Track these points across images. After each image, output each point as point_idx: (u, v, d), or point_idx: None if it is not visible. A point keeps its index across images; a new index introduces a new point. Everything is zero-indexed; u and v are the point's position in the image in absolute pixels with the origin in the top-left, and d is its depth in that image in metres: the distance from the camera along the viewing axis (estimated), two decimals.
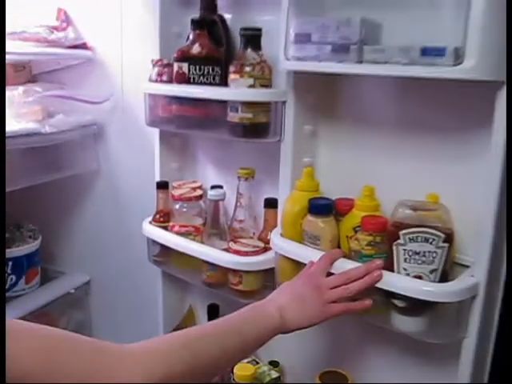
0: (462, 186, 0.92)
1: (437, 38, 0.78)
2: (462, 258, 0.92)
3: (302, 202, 1.02)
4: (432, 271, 0.86)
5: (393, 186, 0.97)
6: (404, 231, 0.86)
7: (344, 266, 0.91)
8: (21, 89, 1.24)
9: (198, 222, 1.24)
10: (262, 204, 1.18)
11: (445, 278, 0.87)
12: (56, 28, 1.38)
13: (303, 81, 1.03)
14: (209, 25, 1.14)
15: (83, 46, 1.45)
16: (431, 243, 0.85)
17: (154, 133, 1.32)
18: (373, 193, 0.96)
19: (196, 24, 1.12)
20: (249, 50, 1.05)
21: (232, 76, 1.05)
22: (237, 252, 1.11)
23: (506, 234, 0.82)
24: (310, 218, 0.99)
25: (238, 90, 1.03)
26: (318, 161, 1.12)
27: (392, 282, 0.87)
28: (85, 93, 1.44)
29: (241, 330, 0.78)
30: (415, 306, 0.88)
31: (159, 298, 1.38)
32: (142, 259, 1.34)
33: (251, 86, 1.03)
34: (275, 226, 1.14)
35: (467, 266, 0.91)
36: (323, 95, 1.07)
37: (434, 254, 0.85)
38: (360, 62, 0.84)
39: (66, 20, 1.46)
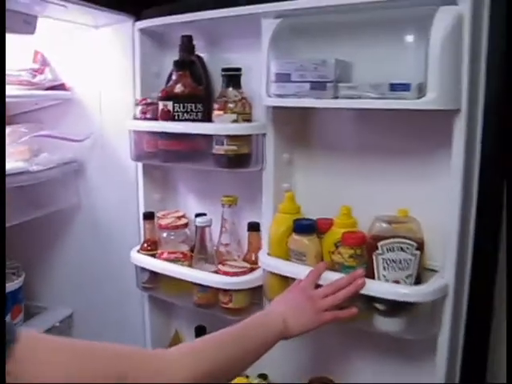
0: (427, 201, 1.05)
1: (401, 75, 0.92)
2: (431, 263, 1.05)
3: (286, 223, 1.13)
4: (408, 276, 0.98)
5: (366, 204, 1.10)
6: (382, 242, 0.98)
7: (330, 277, 1.02)
8: (8, 130, 1.30)
9: (185, 248, 1.32)
10: (245, 228, 1.28)
11: (418, 281, 1.00)
12: (36, 70, 1.44)
13: (281, 114, 1.15)
14: (189, 65, 1.25)
15: (61, 87, 1.52)
16: (406, 251, 0.97)
17: (132, 167, 1.42)
18: (350, 211, 1.08)
19: (178, 65, 1.23)
20: (230, 89, 1.17)
21: (216, 112, 1.16)
22: (226, 273, 1.20)
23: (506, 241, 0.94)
24: (295, 237, 1.10)
25: (223, 125, 1.14)
26: (296, 186, 1.24)
27: (373, 287, 0.98)
28: (63, 131, 1.51)
29: (254, 334, 0.88)
30: (394, 308, 1.00)
31: (147, 325, 1.44)
32: (124, 289, 1.41)
33: (234, 121, 1.14)
34: (259, 247, 1.25)
35: (436, 271, 1.04)
36: (298, 127, 1.20)
37: (409, 261, 0.98)
38: (336, 97, 0.97)
39: (43, 62, 1.53)
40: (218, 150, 1.16)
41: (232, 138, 1.14)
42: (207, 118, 1.24)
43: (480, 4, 0.88)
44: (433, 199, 1.05)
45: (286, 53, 1.06)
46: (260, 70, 1.12)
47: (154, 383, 0.69)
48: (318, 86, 0.98)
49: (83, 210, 1.58)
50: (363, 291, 0.98)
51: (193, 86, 1.23)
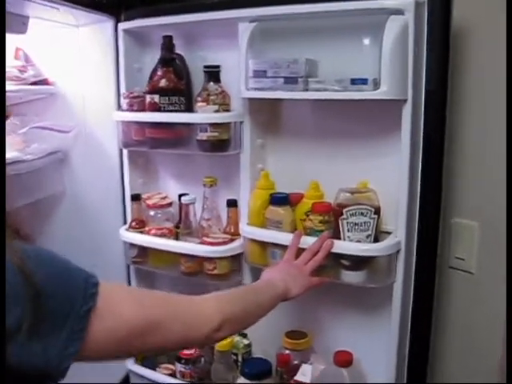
0: (382, 175, 1.26)
1: (359, 72, 1.13)
2: (385, 227, 1.27)
3: (263, 197, 1.32)
4: (368, 236, 1.20)
5: (331, 179, 1.30)
6: (346, 209, 1.19)
7: (305, 241, 1.23)
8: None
9: (170, 225, 1.49)
10: (224, 205, 1.46)
11: (376, 240, 1.22)
12: (23, 67, 1.56)
13: (256, 105, 1.34)
14: (172, 62, 1.42)
15: (44, 82, 1.65)
16: (365, 215, 1.19)
17: (114, 156, 1.58)
18: (318, 186, 1.29)
19: (163, 62, 1.39)
20: (211, 83, 1.34)
21: (200, 104, 1.34)
22: (211, 243, 1.39)
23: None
24: (271, 208, 1.29)
25: (207, 115, 1.32)
26: (268, 167, 1.43)
27: (341, 246, 1.20)
28: (48, 123, 1.64)
29: (266, 291, 1.08)
30: (358, 263, 1.21)
31: None
32: (110, 272, 1.56)
33: (216, 111, 1.32)
34: (237, 221, 1.44)
35: (390, 233, 1.26)
36: (270, 116, 1.39)
37: (368, 224, 1.19)
38: (306, 90, 1.17)
39: (25, 58, 1.65)
40: (202, 136, 1.34)
41: (214, 125, 1.32)
42: (188, 109, 1.41)
43: (421, 14, 1.10)
44: (386, 173, 1.26)
45: (261, 52, 1.25)
46: (236, 67, 1.30)
47: None
48: (290, 81, 1.18)
49: (69, 197, 1.72)
50: (333, 250, 1.19)
51: (176, 81, 1.40)
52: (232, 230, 1.44)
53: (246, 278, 1.43)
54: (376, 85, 1.10)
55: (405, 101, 1.14)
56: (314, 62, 1.19)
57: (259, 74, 1.22)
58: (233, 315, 0.92)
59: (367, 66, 1.13)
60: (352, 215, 1.19)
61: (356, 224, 1.19)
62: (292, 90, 1.18)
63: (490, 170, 1.20)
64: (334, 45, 1.18)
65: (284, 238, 1.26)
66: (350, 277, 1.24)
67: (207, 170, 1.48)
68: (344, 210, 1.19)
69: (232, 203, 1.45)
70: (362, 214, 1.19)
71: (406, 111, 1.15)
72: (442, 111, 1.17)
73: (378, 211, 1.20)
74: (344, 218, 1.20)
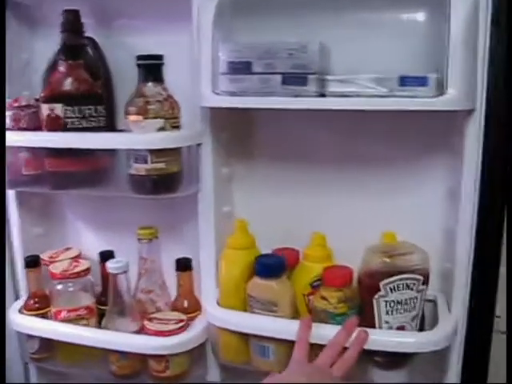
0: (415, 219, 0.85)
1: (407, 66, 0.70)
2: None
3: (241, 262, 0.86)
4: (413, 318, 0.79)
5: (336, 228, 0.87)
6: (385, 281, 0.76)
7: (320, 332, 0.78)
8: None
9: (88, 299, 0.97)
10: (169, 267, 0.98)
11: (422, 320, 0.80)
12: None
13: (221, 118, 0.87)
14: (80, 52, 0.90)
15: None
16: (412, 289, 0.77)
17: None
18: (325, 241, 0.85)
19: (66, 51, 0.87)
20: (150, 84, 0.85)
21: (132, 118, 0.84)
22: (159, 333, 0.89)
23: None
24: (258, 281, 0.83)
25: (147, 136, 0.82)
26: (236, 209, 0.96)
27: (376, 339, 0.76)
28: None
29: None
30: (397, 358, 0.79)
31: None
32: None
33: (161, 129, 0.83)
34: (191, 290, 0.97)
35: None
36: (237, 132, 0.93)
37: (415, 300, 0.78)
38: (321, 95, 0.72)
39: None
40: (139, 169, 0.84)
41: (159, 152, 0.83)
42: (111, 125, 0.91)
43: None
44: (416, 215, 0.86)
45: (235, 35, 0.78)
46: (184, 59, 0.84)
47: None
48: (294, 80, 0.72)
49: None
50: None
51: (89, 82, 0.89)
52: (185, 305, 0.97)
53: (212, 373, 0.96)
54: (440, 87, 0.68)
55: (471, 111, 0.72)
56: (327, 49, 0.74)
57: (238, 68, 0.75)
58: None
59: (419, 57, 0.70)
60: (393, 290, 0.76)
61: (399, 302, 0.77)
62: (297, 94, 0.72)
63: None
64: (360, 22, 0.73)
65: (281, 327, 0.81)
66: (384, 378, 0.81)
67: (142, 216, 0.98)
68: (381, 284, 0.76)
69: (184, 265, 0.97)
70: (407, 286, 0.76)
71: (473, 127, 0.73)
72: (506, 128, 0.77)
73: (427, 279, 0.78)
74: (382, 296, 0.77)
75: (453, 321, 0.79)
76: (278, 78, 0.73)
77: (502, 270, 0.82)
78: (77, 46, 0.90)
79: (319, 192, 0.90)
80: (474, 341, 0.82)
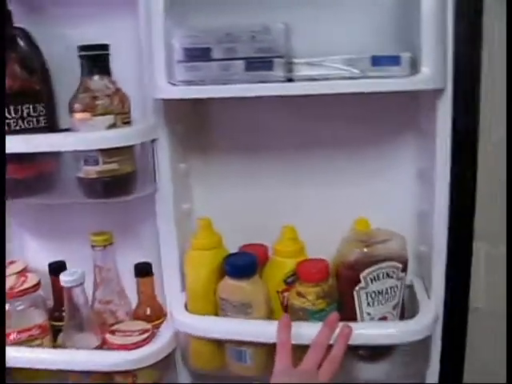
0: (386, 203, 0.83)
1: (375, 46, 0.67)
2: None
3: (208, 264, 0.80)
4: (395, 307, 0.76)
5: (304, 219, 0.83)
6: (365, 272, 0.73)
7: (299, 331, 0.73)
8: None
9: (40, 317, 0.89)
10: (127, 273, 0.91)
11: (402, 308, 0.78)
12: None
13: (172, 109, 0.80)
14: (12, 44, 0.80)
15: None
16: (392, 277, 0.74)
17: None
18: (295, 234, 0.80)
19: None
20: (96, 77, 0.76)
21: (79, 115, 0.75)
22: (123, 347, 0.82)
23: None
24: (230, 282, 0.77)
25: (96, 135, 0.74)
26: (196, 206, 0.90)
27: (359, 334, 0.73)
28: None
29: None
30: (383, 350, 0.76)
31: None
32: None
33: (112, 126, 0.75)
34: (153, 297, 0.90)
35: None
36: (191, 123, 0.86)
37: (396, 288, 0.75)
38: (289, 79, 0.66)
39: None
40: (89, 172, 0.76)
41: (110, 152, 0.75)
42: (52, 124, 0.82)
43: None
44: (388, 198, 0.83)
45: (188, 21, 0.71)
46: (129, 48, 0.78)
47: None
48: (258, 65, 0.66)
49: None
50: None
51: (24, 77, 0.79)
52: (148, 313, 0.90)
53: (182, 377, 0.90)
54: (414, 66, 0.64)
55: (441, 90, 0.70)
56: (291, 31, 0.69)
57: (196, 55, 0.68)
58: None
59: (387, 36, 0.67)
60: (373, 280, 0.73)
61: (380, 293, 0.74)
62: (262, 79, 0.67)
63: None
64: (325, 1, 0.69)
65: (258, 329, 0.76)
66: (368, 371, 0.78)
67: (94, 221, 0.91)
68: (361, 275, 0.72)
69: (144, 270, 0.90)
70: (387, 275, 0.73)
71: (444, 105, 0.71)
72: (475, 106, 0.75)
73: (405, 266, 0.75)
74: (362, 288, 0.73)
75: (433, 307, 0.77)
76: (241, 63, 0.67)
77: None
78: (6, 38, 0.80)
79: (285, 183, 0.86)
80: (453, 324, 0.80)
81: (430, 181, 0.76)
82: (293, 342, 0.72)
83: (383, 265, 0.73)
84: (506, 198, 0.75)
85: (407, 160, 0.82)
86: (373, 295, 0.73)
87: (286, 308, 0.79)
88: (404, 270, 0.75)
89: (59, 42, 0.85)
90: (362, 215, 0.81)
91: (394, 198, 0.83)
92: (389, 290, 0.74)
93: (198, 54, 0.68)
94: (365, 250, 0.73)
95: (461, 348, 0.83)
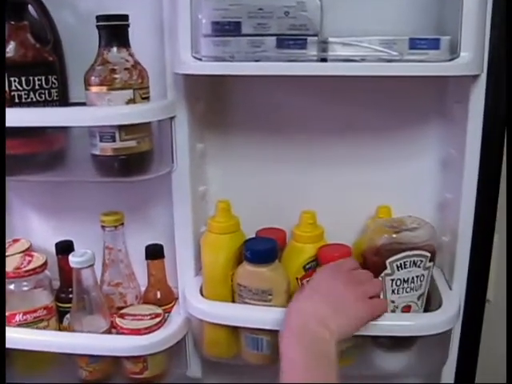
0: (408, 191, 0.81)
1: (413, 27, 0.64)
2: None
3: (226, 248, 0.78)
4: (419, 297, 0.75)
5: (326, 205, 0.81)
6: (391, 259, 0.71)
7: None
8: None
9: (46, 298, 0.86)
10: (138, 255, 0.88)
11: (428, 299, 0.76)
12: None
13: (193, 86, 0.77)
14: (22, 12, 0.76)
15: None
16: (419, 266, 0.72)
17: None
18: (315, 219, 0.78)
19: (10, 10, 0.73)
20: (115, 49, 0.72)
21: (95, 89, 0.71)
22: (135, 332, 0.80)
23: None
24: (249, 268, 0.75)
25: (114, 110, 0.70)
26: (211, 188, 0.87)
27: (381, 324, 0.71)
28: None
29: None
30: (404, 340, 0.75)
31: None
32: None
33: (131, 101, 0.72)
34: (164, 280, 0.88)
35: None
36: (213, 102, 0.83)
37: (422, 278, 0.74)
38: (323, 59, 0.63)
39: None
40: (105, 149, 0.72)
41: (129, 128, 0.72)
42: (63, 97, 0.79)
43: None
44: (410, 186, 0.81)
45: None
46: (147, 19, 0.75)
47: None
48: (291, 43, 0.63)
49: None
50: (367, 331, 0.70)
51: (37, 47, 0.75)
52: (158, 296, 0.88)
53: (192, 368, 0.88)
54: (453, 50, 0.62)
55: (476, 76, 0.67)
56: (327, 8, 0.65)
57: (225, 29, 0.64)
58: None
59: (426, 17, 0.64)
60: (400, 267, 0.71)
61: (405, 281, 0.72)
62: (294, 58, 0.64)
63: None
64: None
65: (277, 317, 0.73)
66: (388, 361, 0.77)
67: (104, 199, 0.87)
68: (388, 262, 0.70)
69: (154, 252, 0.87)
70: (414, 263, 0.71)
71: (479, 92, 0.68)
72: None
73: (434, 256, 0.74)
74: (387, 274, 0.71)
75: (457, 299, 0.75)
76: (272, 40, 0.64)
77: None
78: (17, 5, 0.75)
79: (305, 167, 0.83)
80: (472, 316, 0.79)
81: (455, 169, 0.74)
82: None
83: (411, 253, 0.71)
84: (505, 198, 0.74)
85: (431, 147, 0.80)
86: (398, 283, 0.72)
87: None
88: (432, 259, 0.73)
89: (72, 12, 0.81)
90: (384, 202, 0.80)
91: (416, 186, 0.81)
92: (415, 279, 0.72)
93: (227, 29, 0.64)
94: (393, 235, 0.70)
95: (477, 342, 0.81)
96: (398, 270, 0.71)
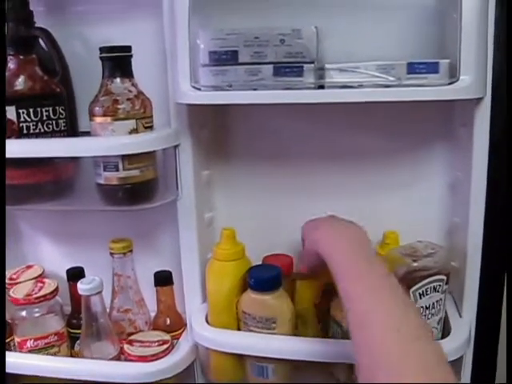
0: (415, 215, 0.79)
1: (412, 51, 0.63)
2: None
3: (231, 275, 0.77)
4: (439, 321, 0.73)
5: None
6: (414, 288, 0.69)
7: (328, 350, 0.70)
8: None
9: (58, 324, 0.87)
10: (147, 282, 0.88)
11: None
12: None
13: (196, 114, 0.77)
14: (32, 45, 0.78)
15: None
16: (438, 290, 0.71)
17: None
18: None
19: (17, 45, 0.75)
20: (117, 80, 0.74)
21: (99, 119, 0.73)
22: (142, 358, 0.80)
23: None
24: (253, 296, 0.74)
25: (118, 140, 0.71)
26: (217, 215, 0.87)
27: None
28: None
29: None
30: None
31: None
32: None
33: (134, 131, 0.73)
34: (173, 306, 0.88)
35: None
36: (217, 129, 0.83)
37: (440, 302, 0.73)
38: (320, 86, 0.63)
39: None
40: (110, 179, 0.74)
41: (133, 158, 0.73)
42: (72, 128, 0.80)
43: None
44: (416, 211, 0.80)
45: (214, 22, 0.68)
46: (151, 50, 0.77)
47: None
48: (287, 71, 0.63)
49: None
50: None
51: (45, 79, 0.77)
52: (168, 323, 0.88)
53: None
54: (452, 74, 0.61)
55: (479, 99, 0.66)
56: (323, 34, 0.65)
57: (222, 58, 0.65)
58: None
59: (423, 43, 0.63)
60: (422, 295, 0.69)
61: (427, 308, 0.70)
62: (291, 86, 0.64)
63: None
64: (359, 3, 0.65)
65: (282, 346, 0.72)
66: None
67: (113, 227, 0.88)
68: (411, 291, 0.69)
69: (164, 279, 0.88)
70: (434, 289, 0.70)
71: (483, 115, 0.67)
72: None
73: (448, 278, 0.72)
74: None
75: (467, 327, 0.73)
76: (269, 68, 0.64)
77: None
78: (27, 38, 0.78)
79: (310, 193, 0.83)
80: (486, 344, 0.76)
81: (462, 193, 0.73)
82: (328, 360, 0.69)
83: (431, 279, 0.69)
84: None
85: (438, 171, 0.79)
86: (421, 311, 0.70)
87: (323, 323, 0.75)
88: (447, 282, 0.71)
89: (80, 44, 0.83)
90: (390, 228, 0.78)
91: (423, 211, 0.80)
92: (435, 304, 0.71)
93: (224, 58, 0.65)
94: (414, 264, 0.69)
95: (493, 369, 0.79)
96: (421, 297, 0.70)
